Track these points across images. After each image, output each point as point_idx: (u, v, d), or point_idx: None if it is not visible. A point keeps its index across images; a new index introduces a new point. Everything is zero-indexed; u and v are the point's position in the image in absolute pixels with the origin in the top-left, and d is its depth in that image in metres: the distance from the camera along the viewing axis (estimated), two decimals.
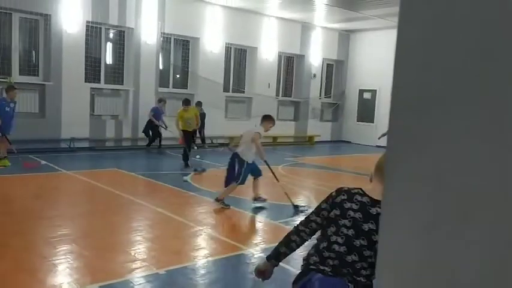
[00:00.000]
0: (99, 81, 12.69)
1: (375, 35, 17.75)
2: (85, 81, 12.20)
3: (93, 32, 12.23)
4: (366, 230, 2.16)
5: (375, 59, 17.77)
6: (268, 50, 15.96)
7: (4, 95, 9.54)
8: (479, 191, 0.66)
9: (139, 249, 4.97)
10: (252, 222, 6.46)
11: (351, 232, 2.17)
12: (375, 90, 17.94)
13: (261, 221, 6.50)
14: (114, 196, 7.38)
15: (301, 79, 17.50)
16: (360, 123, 18.56)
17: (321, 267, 2.16)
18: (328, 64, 18.80)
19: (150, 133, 12.73)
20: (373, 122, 18.08)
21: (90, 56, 12.38)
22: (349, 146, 18.10)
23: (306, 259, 2.27)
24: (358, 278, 2.13)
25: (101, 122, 12.61)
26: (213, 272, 4.50)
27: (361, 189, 2.33)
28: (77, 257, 4.61)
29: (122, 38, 13.00)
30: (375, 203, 2.22)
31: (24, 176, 8.55)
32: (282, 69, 17.22)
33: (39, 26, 11.57)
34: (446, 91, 0.71)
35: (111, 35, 13.06)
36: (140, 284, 4.07)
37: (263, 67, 15.96)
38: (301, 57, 17.35)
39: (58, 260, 4.46)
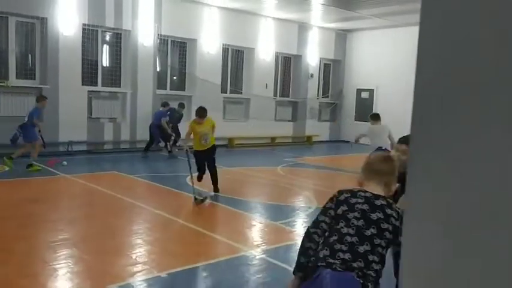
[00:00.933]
0: (96, 84, 12.65)
1: (371, 35, 17.77)
2: (82, 84, 12.16)
3: (90, 35, 12.19)
4: (375, 219, 2.27)
5: (372, 58, 17.80)
6: (265, 50, 15.96)
7: (35, 104, 9.90)
8: (501, 194, 0.65)
9: (140, 252, 4.95)
10: (253, 223, 6.44)
11: (361, 223, 2.26)
12: (373, 90, 17.96)
13: (261, 222, 6.48)
14: (114, 199, 7.35)
15: (299, 79, 17.50)
16: (358, 122, 18.57)
17: (331, 261, 2.18)
18: (325, 64, 18.80)
19: (153, 138, 12.21)
20: None
21: (87, 58, 12.35)
22: (348, 145, 18.11)
23: (314, 255, 2.29)
24: (368, 272, 2.16)
25: (99, 125, 12.58)
26: (215, 275, 4.49)
27: (361, 188, 2.46)
28: (77, 261, 4.59)
29: (119, 41, 12.97)
30: (378, 196, 2.35)
31: (23, 180, 8.52)
32: (279, 69, 17.22)
33: (35, 29, 11.53)
34: (468, 92, 0.70)
35: (107, 38, 13.02)
36: (142, 287, 4.06)
37: (260, 68, 15.96)
38: (298, 57, 17.36)
39: (59, 264, 4.44)
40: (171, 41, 14.03)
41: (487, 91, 0.68)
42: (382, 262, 2.24)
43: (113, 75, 13.01)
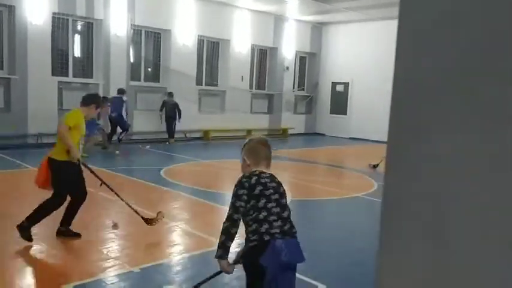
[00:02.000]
0: (67, 75, 12.31)
1: (347, 28, 17.88)
2: (52, 75, 11.82)
3: (60, 24, 11.84)
4: (282, 191, 2.87)
5: (347, 51, 17.92)
6: (241, 42, 15.84)
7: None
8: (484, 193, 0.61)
9: (112, 247, 4.84)
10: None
11: (277, 196, 2.80)
12: (348, 83, 18.10)
13: None
14: None
15: (275, 72, 17.48)
16: (333, 115, 18.71)
17: (272, 231, 2.66)
18: (301, 57, 18.83)
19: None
20: (346, 114, 18.26)
21: (57, 48, 11.99)
22: (323, 138, 18.24)
23: (256, 233, 2.67)
24: (294, 230, 2.78)
25: None
26: (189, 269, 4.42)
27: (260, 171, 2.88)
28: (46, 256, 4.45)
29: (91, 30, 12.63)
30: (272, 175, 2.90)
31: None
32: (255, 62, 17.15)
33: (2, 17, 11.11)
34: (442, 86, 0.67)
35: (78, 27, 12.67)
36: (114, 283, 3.96)
37: (236, 60, 15.84)
38: (274, 50, 17.32)
39: (27, 260, 4.29)
40: (145, 31, 13.76)
41: (467, 80, 0.65)
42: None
43: (85, 66, 12.68)
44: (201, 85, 15.30)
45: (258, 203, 2.73)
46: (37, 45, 11.29)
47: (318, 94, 19.12)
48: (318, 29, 18.61)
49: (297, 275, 4.07)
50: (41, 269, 4.14)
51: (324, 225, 6.38)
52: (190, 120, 14.39)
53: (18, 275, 4.01)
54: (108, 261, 4.39)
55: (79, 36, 12.73)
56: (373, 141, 16.78)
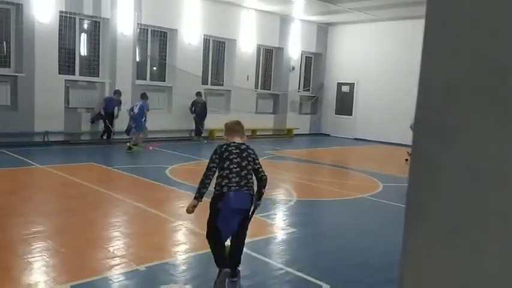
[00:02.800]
0: (73, 73, 12.36)
1: (353, 28, 17.84)
2: (59, 73, 11.88)
3: (67, 22, 11.89)
4: (245, 155, 3.93)
5: (353, 52, 17.88)
6: (247, 42, 15.85)
7: (142, 100, 11.60)
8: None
9: (118, 245, 4.86)
10: None
11: (239, 159, 3.88)
12: (353, 84, 18.07)
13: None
14: (91, 191, 7.21)
15: (280, 72, 17.47)
16: (338, 116, 18.68)
17: (230, 185, 3.78)
18: (306, 57, 18.81)
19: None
20: (351, 115, 18.22)
21: (64, 47, 12.04)
22: (328, 138, 18.22)
23: (219, 186, 3.82)
24: (249, 185, 3.86)
25: (76, 115, 12.31)
26: (194, 268, 4.44)
27: (230, 142, 4.05)
28: (53, 254, 4.48)
29: (97, 29, 12.68)
30: (241, 143, 4.04)
31: None
32: (260, 61, 17.15)
33: (10, 15, 11.17)
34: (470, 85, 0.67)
35: (85, 26, 12.72)
36: (120, 281, 3.98)
37: (242, 59, 15.85)
38: (279, 50, 17.31)
39: (33, 257, 4.33)
40: (151, 30, 13.80)
41: (493, 83, 0.65)
42: (253, 179, 3.95)
43: (91, 65, 12.73)
44: (207, 84, 15.32)
45: (224, 164, 3.87)
46: (44, 44, 11.35)
47: (323, 95, 19.10)
48: (323, 30, 18.58)
49: (302, 275, 4.14)
50: (48, 267, 4.16)
51: (329, 226, 6.38)
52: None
53: (25, 272, 4.04)
54: (115, 259, 4.41)
55: (85, 34, 12.78)
56: (378, 142, 16.75)
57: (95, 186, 7.44)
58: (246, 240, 5.16)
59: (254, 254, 4.80)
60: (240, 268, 4.08)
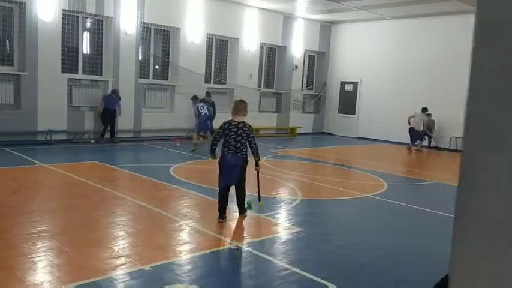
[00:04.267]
0: (76, 72, 12.34)
1: (356, 27, 17.78)
2: (62, 72, 11.85)
3: (70, 21, 11.86)
4: (240, 132, 5.68)
5: (356, 50, 17.82)
6: (250, 41, 15.81)
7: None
8: None
9: (123, 244, 4.84)
10: (237, 215, 6.37)
11: (235, 134, 5.67)
12: (356, 82, 18.01)
13: (246, 213, 6.41)
14: (95, 190, 7.19)
15: (283, 70, 17.42)
16: (341, 115, 18.63)
17: (229, 150, 5.71)
18: (309, 56, 18.76)
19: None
20: (354, 114, 18.17)
21: (67, 45, 12.02)
22: (331, 137, 18.17)
23: (222, 150, 5.76)
24: (243, 152, 5.74)
25: (79, 114, 12.30)
26: (200, 267, 4.41)
27: (232, 120, 5.80)
28: (57, 253, 4.45)
29: (100, 27, 12.65)
30: (240, 122, 5.75)
31: (0, 170, 8.27)
32: (263, 60, 17.10)
33: (13, 14, 11.15)
34: None
35: (88, 24, 12.69)
36: (125, 280, 3.95)
37: (245, 58, 15.81)
38: (283, 49, 17.26)
39: (38, 257, 4.30)
40: (154, 29, 13.77)
41: None
42: (245, 147, 5.74)
43: (94, 63, 12.70)
44: (210, 83, 15.28)
45: (225, 136, 5.74)
46: (47, 42, 11.33)
47: (326, 93, 19.05)
48: (327, 28, 18.52)
49: (308, 275, 4.11)
50: (52, 266, 4.14)
51: (334, 226, 6.34)
52: None
53: (30, 272, 4.02)
54: (119, 259, 4.39)
55: (88, 33, 12.75)
56: (380, 141, 16.70)
57: (99, 185, 7.41)
58: (252, 240, 5.14)
59: (259, 254, 4.77)
60: (245, 268, 4.06)
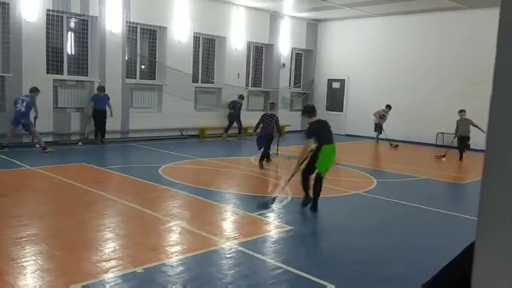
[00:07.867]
0: (62, 73, 12.18)
1: (343, 25, 17.85)
2: (47, 73, 11.69)
3: (54, 21, 11.71)
4: (270, 120, 10.11)
5: (343, 48, 17.89)
6: (237, 39, 15.77)
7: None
8: None
9: (114, 247, 4.79)
10: (228, 215, 6.36)
11: (268, 121, 10.09)
12: (344, 80, 18.09)
13: (237, 213, 6.40)
14: (83, 192, 7.10)
15: (271, 69, 17.42)
16: (329, 112, 18.69)
17: (264, 130, 10.12)
18: (297, 53, 18.78)
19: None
20: (342, 111, 18.25)
21: (51, 46, 11.85)
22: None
23: (261, 129, 10.18)
24: (271, 130, 10.11)
25: (65, 115, 12.15)
26: (192, 268, 4.38)
27: (268, 112, 10.55)
28: (47, 257, 4.39)
29: (85, 27, 12.50)
30: (272, 114, 10.33)
31: None
32: (251, 59, 17.08)
33: None
34: None
35: (73, 24, 12.53)
36: (117, 283, 3.91)
37: (232, 57, 15.77)
38: (270, 47, 17.26)
39: (27, 261, 4.23)
40: (141, 28, 13.65)
41: None
42: (273, 127, 10.22)
43: (80, 64, 12.55)
44: (197, 82, 15.21)
45: (263, 122, 10.08)
46: (31, 43, 11.16)
47: (314, 91, 19.10)
48: (313, 26, 18.56)
49: (301, 273, 4.10)
50: (42, 271, 4.07)
51: (326, 223, 6.36)
52: (186, 118, 14.34)
53: (20, 277, 3.95)
54: (110, 261, 4.34)
55: (73, 33, 12.59)
56: (369, 137, 16.80)
57: (87, 187, 7.33)
58: (244, 239, 5.14)
59: (251, 253, 4.76)
60: (237, 268, 4.03)
